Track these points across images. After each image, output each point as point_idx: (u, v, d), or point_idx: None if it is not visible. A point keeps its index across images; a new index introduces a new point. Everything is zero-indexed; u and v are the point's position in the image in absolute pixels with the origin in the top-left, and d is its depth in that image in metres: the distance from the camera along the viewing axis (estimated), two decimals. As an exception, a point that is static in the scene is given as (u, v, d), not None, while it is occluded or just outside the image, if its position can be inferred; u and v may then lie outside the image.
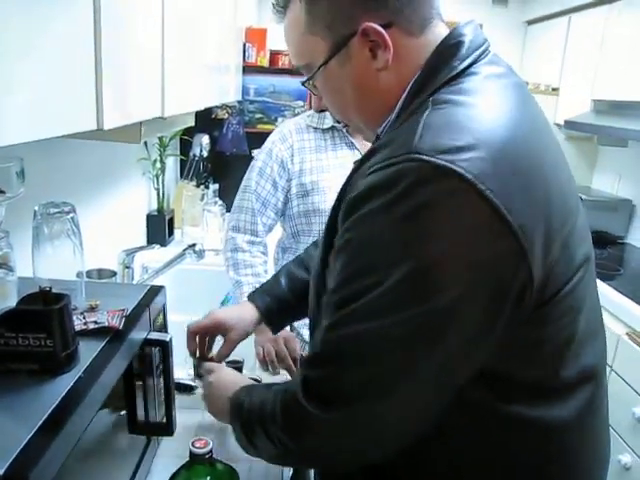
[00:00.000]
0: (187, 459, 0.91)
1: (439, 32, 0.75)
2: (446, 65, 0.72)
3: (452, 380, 0.67)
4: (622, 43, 2.68)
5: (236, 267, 1.58)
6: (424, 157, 0.61)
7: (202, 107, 1.67)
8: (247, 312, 1.15)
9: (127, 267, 1.78)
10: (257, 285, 1.53)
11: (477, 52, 0.73)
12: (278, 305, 1.17)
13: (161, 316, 1.02)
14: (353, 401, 0.67)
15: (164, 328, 1.04)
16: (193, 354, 1.13)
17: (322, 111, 1.24)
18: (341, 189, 0.80)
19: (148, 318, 0.95)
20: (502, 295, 0.63)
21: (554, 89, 3.67)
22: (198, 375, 1.12)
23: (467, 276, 0.61)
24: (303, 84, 0.82)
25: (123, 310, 0.89)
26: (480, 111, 0.67)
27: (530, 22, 3.73)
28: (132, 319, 0.89)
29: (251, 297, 1.20)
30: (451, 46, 0.73)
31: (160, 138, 2.27)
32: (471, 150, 0.61)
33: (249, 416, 0.80)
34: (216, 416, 1.00)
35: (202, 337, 1.13)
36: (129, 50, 1.04)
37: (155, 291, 1.01)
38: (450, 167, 0.60)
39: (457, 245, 0.60)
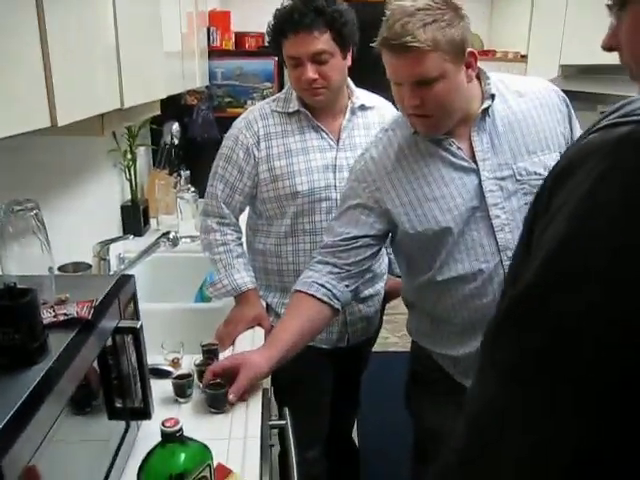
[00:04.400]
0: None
1: None
2: None
3: None
4: (586, 5, 2.69)
5: (210, 247, 1.64)
6: None
7: (165, 95, 1.67)
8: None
9: (103, 259, 1.80)
10: (231, 261, 1.60)
11: None
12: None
13: (132, 304, 1.04)
14: None
15: (136, 316, 1.07)
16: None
17: None
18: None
19: (118, 307, 0.97)
20: None
21: (522, 56, 3.69)
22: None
23: None
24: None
25: (92, 301, 0.91)
26: None
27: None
28: (101, 309, 0.91)
29: None
30: None
31: (128, 128, 2.26)
32: None
33: None
34: None
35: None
36: (79, 44, 1.04)
37: (124, 280, 1.03)
38: None
39: None
